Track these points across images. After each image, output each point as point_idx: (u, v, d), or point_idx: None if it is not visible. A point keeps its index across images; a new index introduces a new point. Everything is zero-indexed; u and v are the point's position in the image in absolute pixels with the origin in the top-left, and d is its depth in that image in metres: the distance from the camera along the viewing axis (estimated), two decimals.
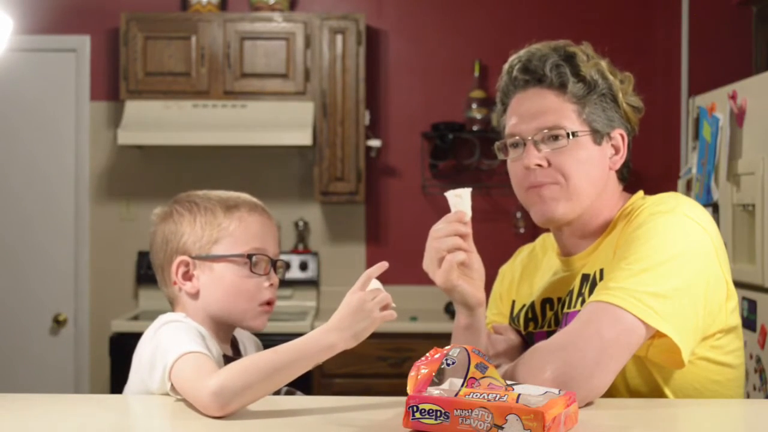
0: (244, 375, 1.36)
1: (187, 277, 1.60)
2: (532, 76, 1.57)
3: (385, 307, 1.42)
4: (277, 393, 1.59)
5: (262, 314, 1.62)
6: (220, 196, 1.63)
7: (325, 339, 1.40)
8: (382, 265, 1.44)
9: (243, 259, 1.58)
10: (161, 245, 1.62)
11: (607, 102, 1.57)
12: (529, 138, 1.55)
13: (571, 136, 1.53)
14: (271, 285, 1.62)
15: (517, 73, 1.58)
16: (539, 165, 1.54)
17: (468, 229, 1.51)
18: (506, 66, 1.62)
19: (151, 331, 1.55)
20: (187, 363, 1.42)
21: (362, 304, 1.40)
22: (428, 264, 1.52)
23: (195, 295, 1.60)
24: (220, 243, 1.59)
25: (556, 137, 1.54)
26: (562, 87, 1.55)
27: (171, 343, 1.46)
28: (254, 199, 1.66)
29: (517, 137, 1.58)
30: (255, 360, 1.38)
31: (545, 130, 1.54)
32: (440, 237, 1.50)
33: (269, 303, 1.62)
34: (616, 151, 1.60)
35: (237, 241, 1.59)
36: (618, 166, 1.61)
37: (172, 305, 1.66)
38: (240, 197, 1.65)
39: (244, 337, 1.74)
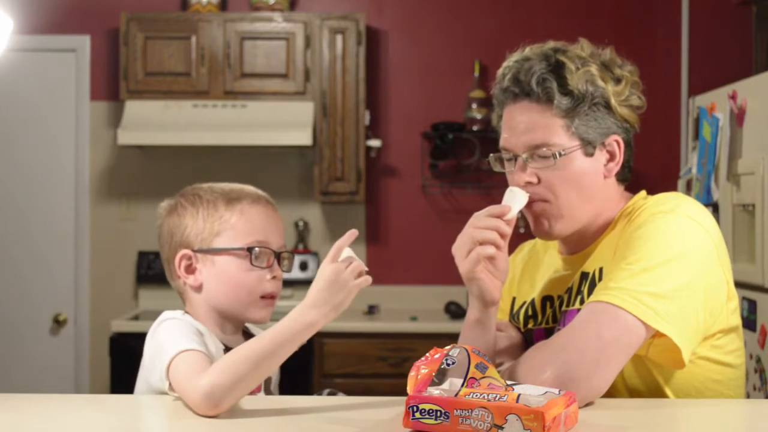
0: (233, 369, 1.36)
1: (190, 270, 1.61)
2: (521, 89, 1.54)
3: (359, 275, 1.41)
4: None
5: (265, 307, 1.61)
6: (223, 189, 1.63)
7: (304, 318, 1.39)
8: (352, 233, 1.44)
9: (243, 251, 1.58)
10: (167, 238, 1.63)
11: (600, 110, 1.54)
12: (520, 155, 1.55)
13: (558, 156, 1.52)
14: (274, 278, 1.61)
15: (507, 83, 1.57)
16: (529, 182, 1.54)
17: (508, 228, 1.50)
18: (499, 72, 1.60)
19: (151, 330, 1.56)
20: (180, 362, 1.42)
21: (337, 275, 1.40)
22: (458, 248, 1.50)
23: (198, 289, 1.61)
24: (221, 236, 1.59)
25: (544, 156, 1.53)
26: (549, 102, 1.52)
27: (166, 342, 1.47)
28: (258, 191, 1.66)
29: (509, 153, 1.57)
30: (242, 352, 1.38)
31: (534, 149, 1.53)
32: (479, 227, 1.49)
33: (272, 296, 1.62)
34: (612, 157, 1.58)
35: (238, 233, 1.59)
36: (614, 173, 1.59)
37: (181, 299, 1.67)
38: (243, 189, 1.64)
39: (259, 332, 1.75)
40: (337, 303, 1.40)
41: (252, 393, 1.57)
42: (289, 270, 1.65)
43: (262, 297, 1.60)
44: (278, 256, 1.62)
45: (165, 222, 1.64)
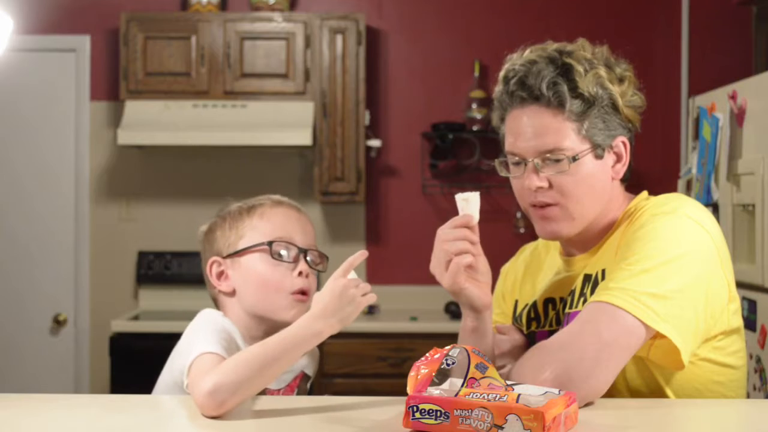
0: (238, 371, 1.37)
1: (222, 277, 1.67)
2: (529, 93, 1.52)
3: (365, 294, 1.46)
4: None
5: (295, 305, 1.63)
6: (248, 200, 1.71)
7: (312, 327, 1.43)
8: (363, 254, 1.48)
9: (264, 246, 1.63)
10: (203, 256, 1.71)
11: (608, 112, 1.54)
12: (530, 160, 1.53)
13: (572, 161, 1.51)
14: (301, 273, 1.64)
15: (513, 87, 1.54)
16: (540, 187, 1.53)
17: (475, 236, 1.50)
18: (502, 74, 1.58)
19: (190, 327, 1.59)
20: (198, 363, 1.45)
21: (346, 290, 1.43)
22: (435, 266, 1.51)
23: (231, 294, 1.66)
24: (245, 238, 1.66)
25: (557, 160, 1.52)
26: (560, 106, 1.51)
27: (195, 342, 1.50)
28: (283, 198, 1.73)
29: (516, 157, 1.56)
30: (246, 356, 1.40)
31: (546, 154, 1.52)
32: (448, 240, 1.49)
33: (303, 292, 1.64)
34: (619, 158, 1.57)
35: (259, 233, 1.65)
36: (621, 174, 1.59)
37: (217, 308, 1.71)
38: (266, 197, 1.72)
39: None
40: (345, 316, 1.44)
41: (287, 392, 1.62)
42: (324, 270, 1.70)
43: (292, 293, 1.63)
44: (305, 253, 1.65)
45: (203, 242, 1.72)
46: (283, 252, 1.64)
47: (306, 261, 1.65)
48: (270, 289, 1.63)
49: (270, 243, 1.63)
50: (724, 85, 3.18)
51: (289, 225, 1.67)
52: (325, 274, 1.57)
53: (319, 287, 1.50)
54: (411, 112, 4.67)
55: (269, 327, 1.64)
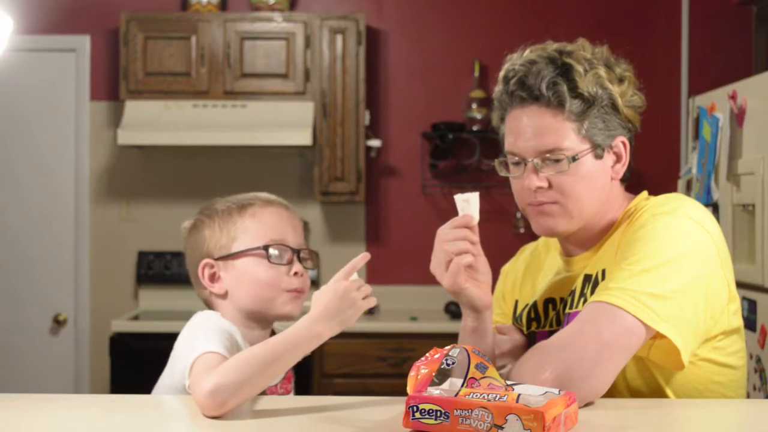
0: (238, 371, 1.37)
1: (214, 279, 1.66)
2: (529, 93, 1.52)
3: (365, 297, 1.47)
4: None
5: (292, 300, 1.64)
6: (236, 198, 1.70)
7: (312, 329, 1.44)
8: (366, 256, 1.49)
9: (261, 251, 1.63)
10: (191, 255, 1.69)
11: (608, 112, 1.54)
12: (529, 160, 1.53)
13: (572, 161, 1.51)
14: (296, 274, 1.64)
15: (513, 87, 1.54)
16: (540, 187, 1.53)
17: (475, 236, 1.50)
18: (502, 74, 1.58)
19: (188, 329, 1.58)
20: (199, 363, 1.44)
21: (348, 293, 1.44)
22: (436, 266, 1.51)
23: (224, 296, 1.65)
24: (238, 240, 1.65)
25: (556, 160, 1.52)
26: (560, 106, 1.51)
27: (196, 342, 1.49)
28: (271, 196, 1.72)
29: (516, 157, 1.56)
30: (247, 356, 1.41)
31: (545, 154, 1.52)
32: (448, 240, 1.49)
33: (298, 291, 1.65)
34: (618, 158, 1.57)
35: (253, 235, 1.64)
36: (621, 174, 1.59)
37: (209, 309, 1.71)
38: (255, 195, 1.71)
39: None
40: (345, 318, 1.44)
41: (284, 384, 1.62)
42: (314, 267, 1.70)
43: (287, 291, 1.64)
44: (298, 253, 1.66)
45: (188, 240, 1.70)
46: (279, 254, 1.64)
47: (299, 261, 1.66)
48: (264, 290, 1.63)
49: (266, 247, 1.63)
50: (724, 85, 3.18)
51: (281, 225, 1.67)
52: (326, 273, 1.57)
53: (319, 286, 1.50)
54: (411, 112, 4.67)
55: (265, 321, 1.66)
